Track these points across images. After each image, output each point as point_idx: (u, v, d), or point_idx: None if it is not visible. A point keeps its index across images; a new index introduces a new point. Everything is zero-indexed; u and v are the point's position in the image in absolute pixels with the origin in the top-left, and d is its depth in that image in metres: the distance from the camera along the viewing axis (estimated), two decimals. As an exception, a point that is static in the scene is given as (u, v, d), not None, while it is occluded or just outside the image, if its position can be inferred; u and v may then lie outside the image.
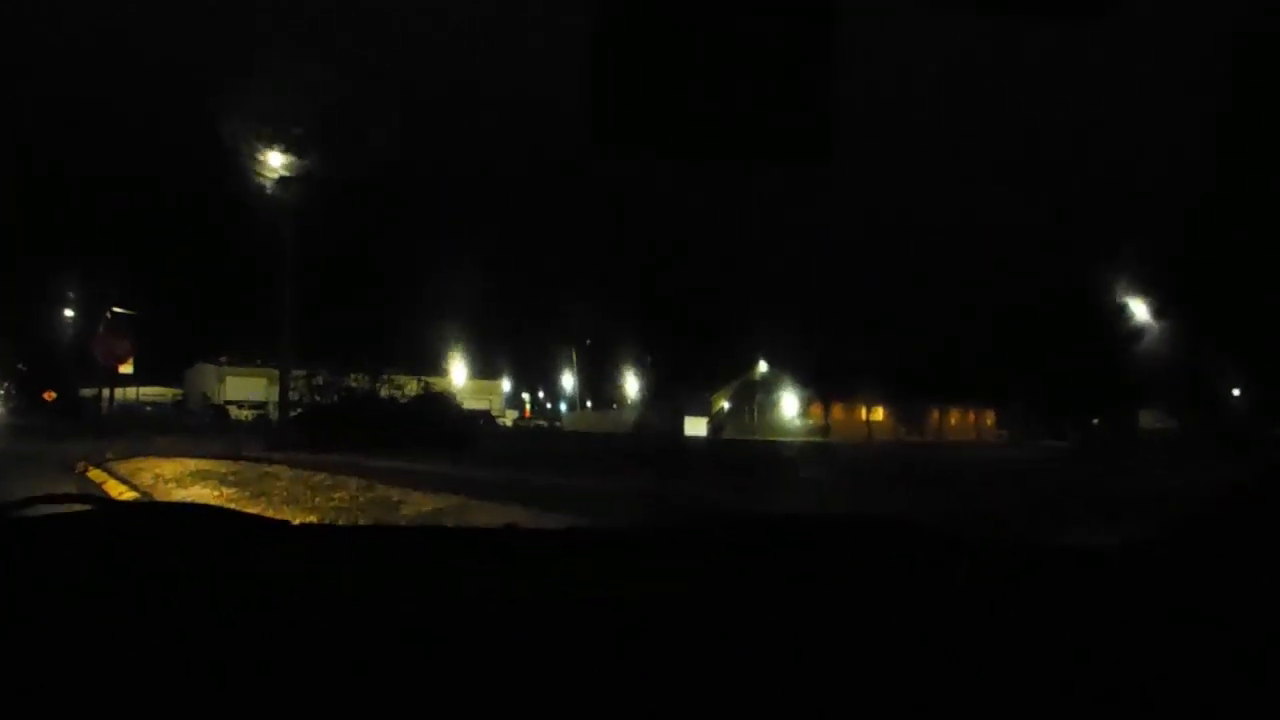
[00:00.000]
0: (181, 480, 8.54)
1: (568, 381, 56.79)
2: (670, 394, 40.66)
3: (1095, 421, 43.24)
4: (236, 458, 10.73)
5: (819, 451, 24.18)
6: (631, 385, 48.94)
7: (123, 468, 10.49)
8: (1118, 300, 28.56)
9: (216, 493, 7.39)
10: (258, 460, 9.97)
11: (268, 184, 13.62)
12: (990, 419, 43.45)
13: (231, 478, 8.23)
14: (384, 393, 14.98)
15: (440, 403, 15.84)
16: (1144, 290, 30.03)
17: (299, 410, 14.66)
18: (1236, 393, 31.57)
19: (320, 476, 7.44)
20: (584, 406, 54.65)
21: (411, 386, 15.72)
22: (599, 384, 53.20)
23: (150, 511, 1.94)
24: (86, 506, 1.37)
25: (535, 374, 57.85)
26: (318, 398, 14.65)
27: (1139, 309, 31.31)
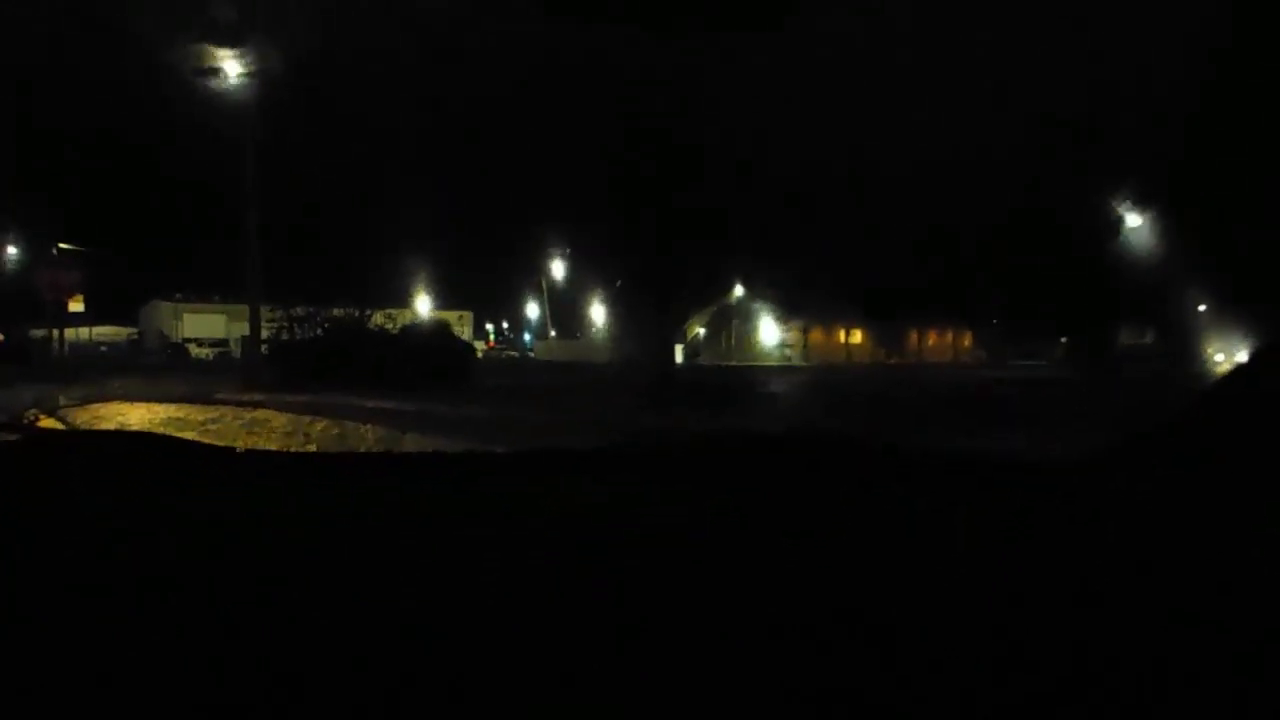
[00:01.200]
0: (153, 431, 7.46)
1: (532, 310, 55.70)
2: (640, 320, 39.73)
3: (1064, 340, 43.37)
4: (211, 401, 9.66)
5: (805, 377, 23.91)
6: (598, 313, 48.03)
7: (80, 416, 9.35)
8: (1096, 213, 27.98)
9: (198, 444, 6.38)
10: (238, 404, 8.90)
11: (219, 81, 12.23)
12: (967, 340, 43.14)
13: (212, 426, 7.21)
14: (377, 324, 13.83)
15: (435, 334, 14.74)
16: (1120, 203, 29.34)
17: (272, 346, 13.51)
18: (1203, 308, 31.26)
19: (322, 424, 6.42)
20: (549, 336, 53.68)
21: (406, 316, 14.61)
22: (563, 312, 52.24)
23: (83, 441, 1.79)
24: (13, 436, 1.39)
25: (499, 303, 56.62)
26: (297, 331, 13.46)
27: (1115, 222, 30.63)
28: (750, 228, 36.09)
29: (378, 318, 13.76)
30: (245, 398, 10.30)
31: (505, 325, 60.11)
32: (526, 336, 57.63)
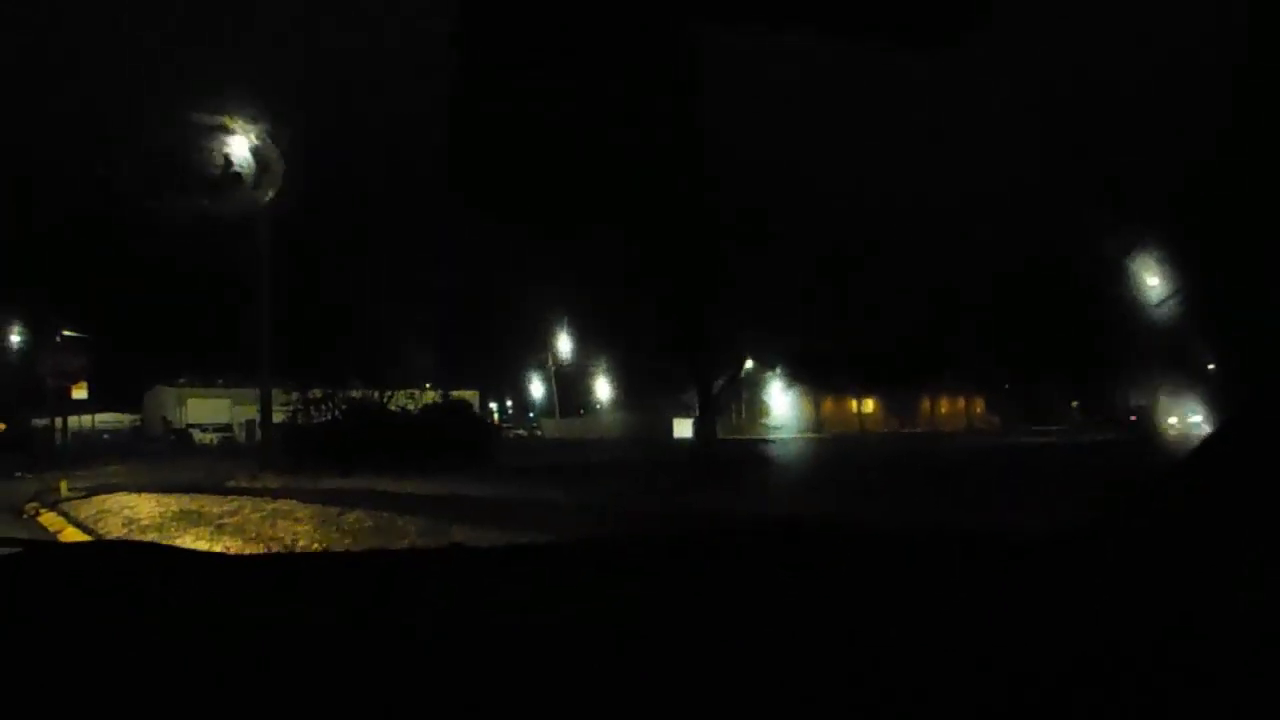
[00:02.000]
0: (163, 527, 6.90)
1: (536, 389, 55.26)
2: (648, 397, 39.34)
3: (1075, 404, 42.91)
4: (225, 490, 9.11)
5: (819, 450, 23.51)
6: (602, 391, 47.62)
7: (84, 510, 8.79)
8: (1105, 272, 27.75)
9: (213, 544, 5.79)
10: (254, 493, 8.35)
11: (234, 174, 11.96)
12: (979, 406, 42.70)
13: (229, 520, 6.63)
14: (399, 404, 13.26)
15: (459, 414, 14.19)
16: (1131, 264, 29.11)
17: (286, 429, 12.96)
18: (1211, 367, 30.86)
19: (354, 515, 5.82)
20: (553, 414, 53.26)
21: (428, 396, 14.06)
22: (567, 391, 51.77)
23: (81, 552, 1.81)
24: (15, 549, 1.34)
25: (502, 382, 56.13)
26: (313, 414, 12.91)
27: (1125, 281, 30.36)
28: (767, 296, 35.94)
29: (400, 398, 13.25)
30: (259, 485, 9.74)
31: (509, 404, 59.64)
32: (529, 415, 57.12)
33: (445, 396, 14.91)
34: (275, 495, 7.66)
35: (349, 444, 11.22)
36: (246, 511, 6.81)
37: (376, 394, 13.16)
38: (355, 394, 12.96)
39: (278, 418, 13.61)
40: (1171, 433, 27.09)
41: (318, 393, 12.94)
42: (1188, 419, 29.49)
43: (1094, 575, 1.11)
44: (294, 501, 7.00)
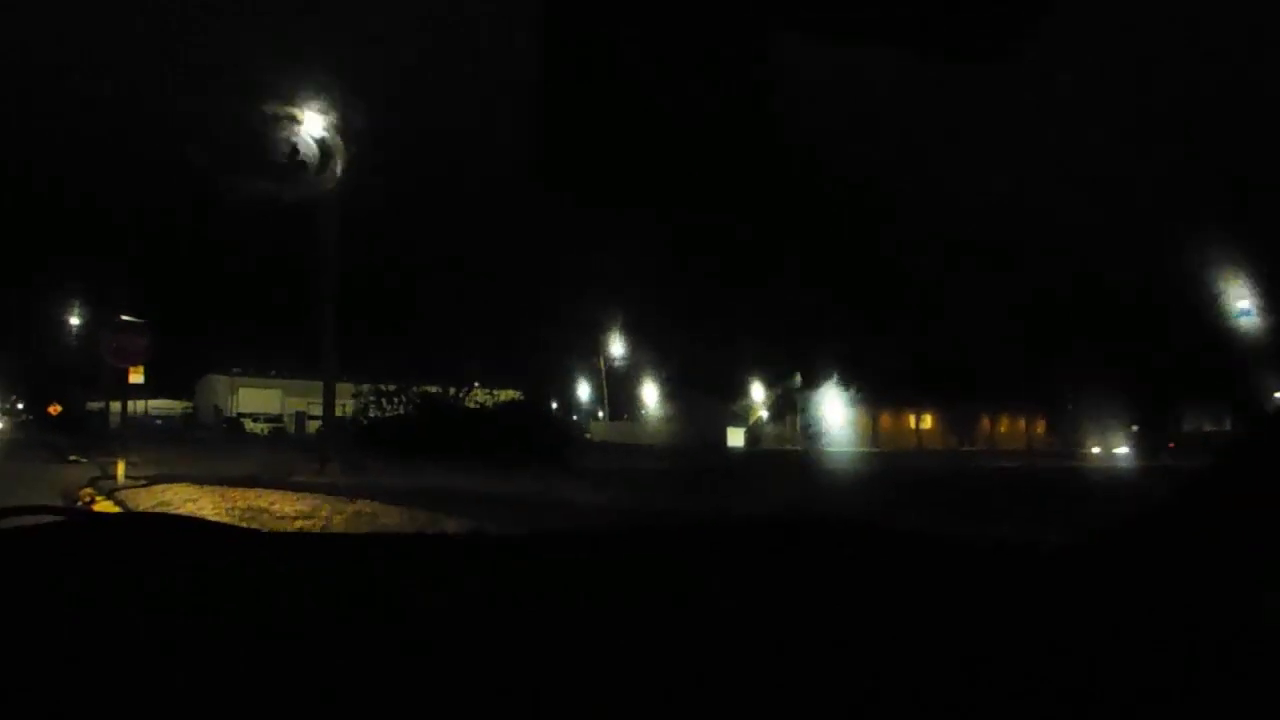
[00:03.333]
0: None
1: (583, 391, 54.75)
2: (700, 403, 38.72)
3: (1135, 428, 41.50)
4: (291, 484, 8.51)
5: (882, 463, 22.83)
6: (652, 396, 47.00)
7: (143, 500, 8.25)
8: (1186, 297, 26.59)
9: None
10: (324, 490, 7.74)
11: (300, 161, 11.45)
12: (1040, 427, 41.46)
13: (305, 523, 6.02)
14: (476, 400, 12.68)
15: (539, 413, 13.60)
16: (1208, 288, 27.91)
17: (354, 423, 12.42)
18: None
19: (452, 524, 5.16)
20: (599, 417, 52.75)
21: (505, 395, 13.47)
22: (615, 395, 51.19)
23: (124, 522, 1.91)
24: (58, 517, 1.36)
25: (547, 382, 55.39)
26: (386, 407, 12.34)
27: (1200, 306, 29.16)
28: (806, 331, 35.22)
29: (477, 394, 12.66)
30: (327, 481, 9.17)
31: (554, 406, 59.04)
32: (574, 417, 56.50)
33: (514, 398, 14.32)
34: (352, 494, 7.04)
35: (421, 440, 10.63)
36: (325, 513, 6.19)
37: (452, 390, 12.57)
38: (431, 389, 12.39)
39: (337, 411, 13.11)
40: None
41: (390, 385, 12.36)
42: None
43: (1103, 580, 1.11)
44: (375, 503, 6.38)
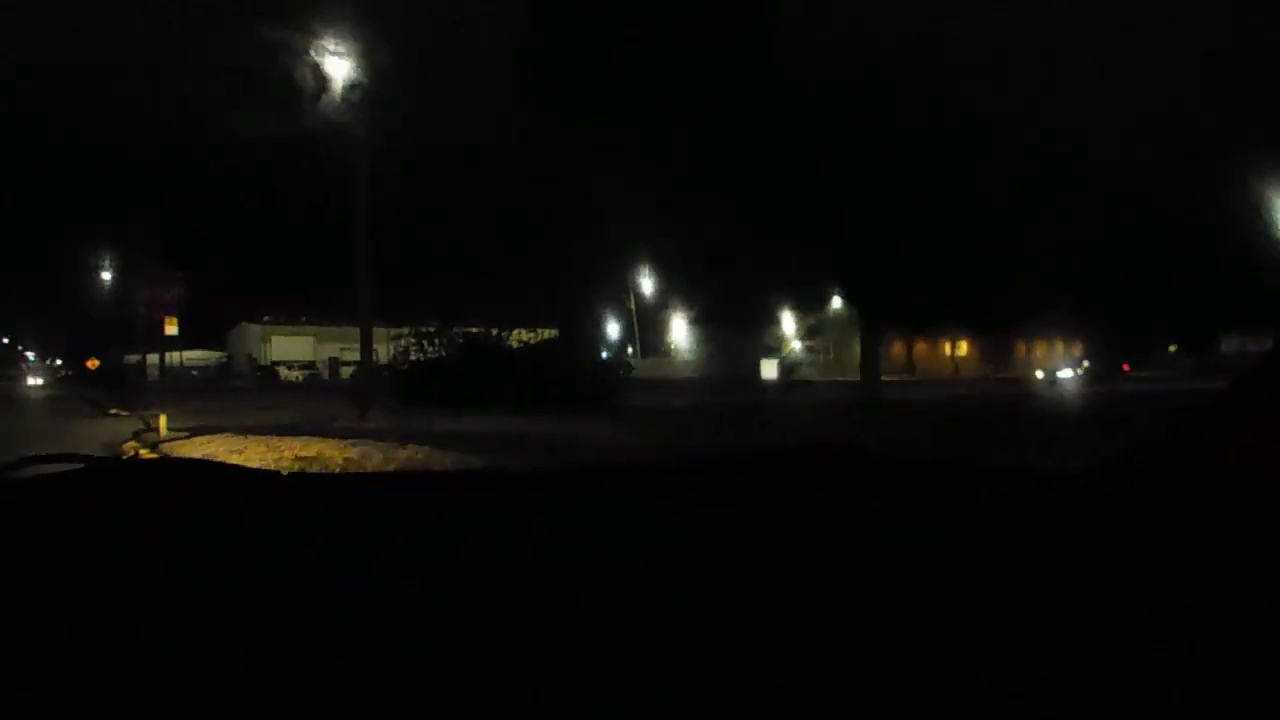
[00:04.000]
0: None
1: (612, 330, 54.62)
2: (733, 337, 38.41)
3: (1172, 348, 40.74)
4: (334, 432, 8.36)
5: (920, 391, 22.73)
6: (682, 332, 46.76)
7: (188, 452, 8.13)
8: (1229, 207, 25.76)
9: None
10: (371, 435, 7.58)
11: (330, 94, 11.13)
12: (1077, 350, 40.94)
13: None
14: (520, 339, 12.45)
15: (576, 351, 13.37)
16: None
17: (395, 367, 12.26)
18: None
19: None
20: (629, 354, 52.65)
21: (546, 333, 13.24)
22: (645, 332, 51.07)
23: (143, 467, 1.88)
24: (79, 465, 1.37)
25: (575, 321, 55.05)
26: (428, 349, 12.14)
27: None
28: (838, 259, 34.64)
29: (520, 334, 12.42)
30: (371, 426, 9.02)
31: (589, 345, 58.87)
32: (603, 355, 56.34)
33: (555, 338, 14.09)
34: (402, 439, 6.87)
35: (463, 382, 10.44)
36: (376, 459, 6.02)
37: (493, 331, 12.34)
38: (473, 330, 12.17)
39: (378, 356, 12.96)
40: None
41: (430, 328, 12.14)
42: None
43: (1121, 505, 1.07)
44: (426, 448, 6.20)
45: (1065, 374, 34.02)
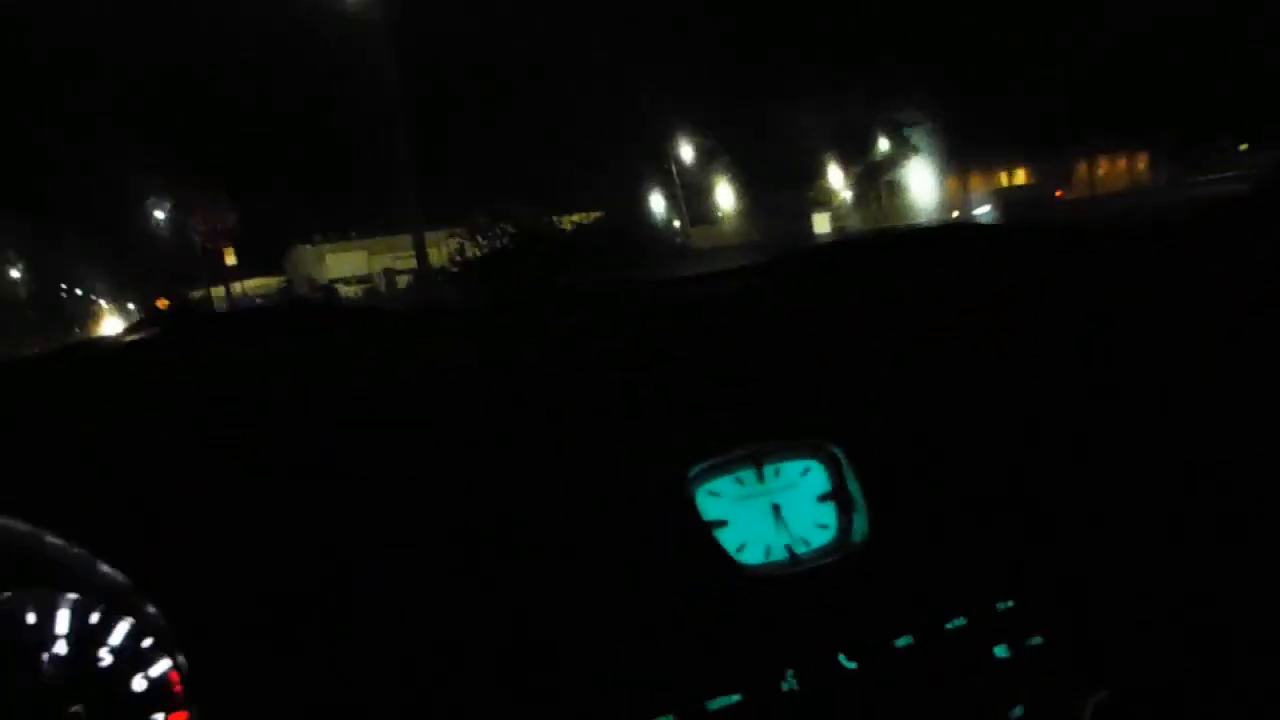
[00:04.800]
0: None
1: (656, 203, 53.98)
2: (781, 195, 37.70)
3: (1243, 148, 38.90)
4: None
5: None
6: (728, 198, 46.03)
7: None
8: None
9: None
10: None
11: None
12: (1142, 163, 39.39)
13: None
14: (573, 222, 12.42)
15: (632, 227, 13.33)
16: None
17: (457, 264, 12.28)
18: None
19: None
20: (675, 226, 52.07)
21: (595, 215, 13.14)
22: (691, 201, 50.39)
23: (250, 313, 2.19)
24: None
25: (619, 199, 54.54)
26: (481, 244, 12.11)
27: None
28: (882, 93, 33.40)
29: (569, 218, 12.33)
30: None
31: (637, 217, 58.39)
32: (655, 225, 55.79)
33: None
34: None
35: (525, 270, 10.42)
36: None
37: (546, 217, 12.25)
38: (524, 218, 12.07)
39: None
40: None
41: (482, 219, 12.07)
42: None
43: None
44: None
45: (983, 210, 31.62)
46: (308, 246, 34.43)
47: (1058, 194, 30.48)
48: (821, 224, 35.24)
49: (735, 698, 0.85)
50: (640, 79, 35.80)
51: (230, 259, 16.44)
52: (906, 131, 34.83)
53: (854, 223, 35.61)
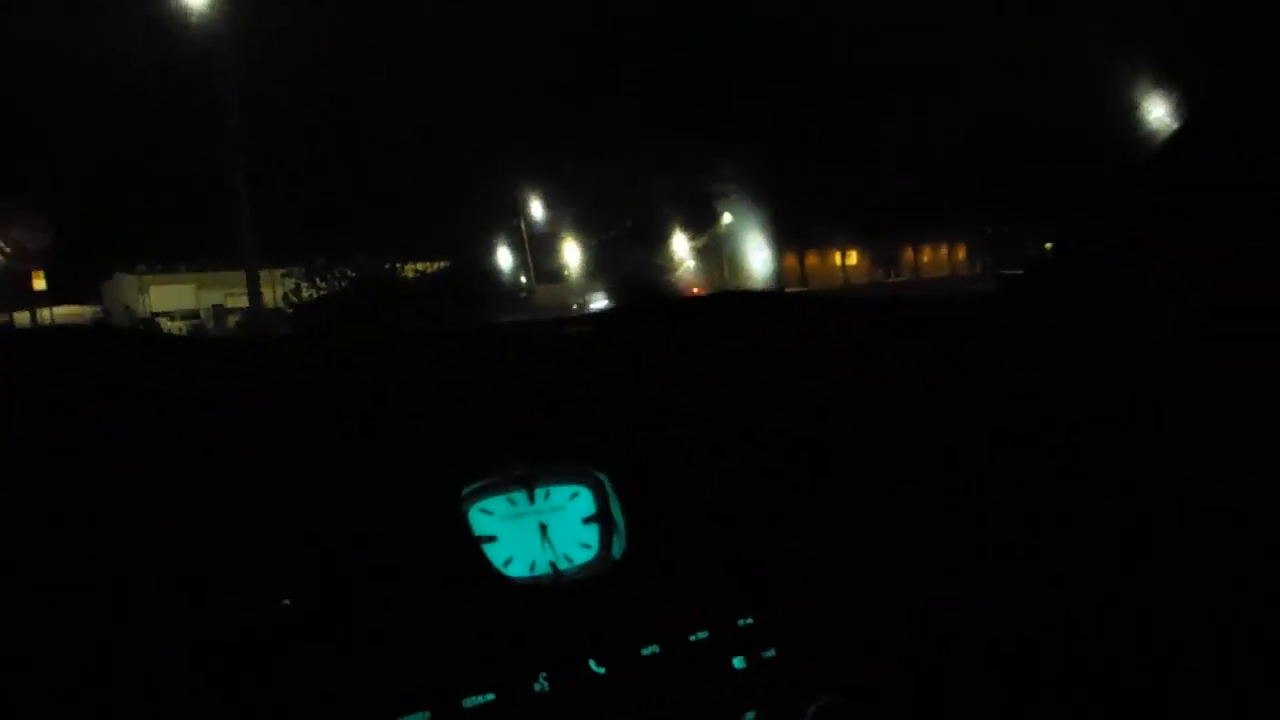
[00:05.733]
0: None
1: (503, 258, 54.06)
2: (622, 260, 38.48)
3: (1048, 246, 42.44)
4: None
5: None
6: (574, 256, 46.62)
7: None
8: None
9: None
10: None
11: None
12: (961, 253, 42.26)
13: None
14: (416, 270, 12.25)
15: (474, 279, 13.27)
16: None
17: (290, 305, 11.89)
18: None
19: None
20: (521, 282, 52.14)
21: (441, 264, 13.03)
22: (536, 258, 50.74)
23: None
24: None
25: (465, 252, 54.42)
26: (319, 286, 11.79)
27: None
28: (729, 175, 34.93)
29: (414, 266, 12.22)
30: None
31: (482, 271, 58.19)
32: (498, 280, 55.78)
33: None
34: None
35: (362, 318, 10.21)
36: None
37: (387, 265, 12.08)
38: (363, 262, 11.86)
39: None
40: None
41: (321, 261, 11.80)
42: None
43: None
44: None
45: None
46: (130, 275, 32.65)
47: (890, 276, 32.57)
48: (666, 289, 36.05)
49: (489, 696, 0.93)
50: (493, 132, 35.99)
51: (39, 283, 15.34)
52: (722, 206, 36.44)
53: (698, 290, 36.63)
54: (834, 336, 1.37)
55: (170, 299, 31.27)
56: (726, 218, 38.34)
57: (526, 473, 1.07)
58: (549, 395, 1.15)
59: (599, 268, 43.08)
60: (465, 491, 1.03)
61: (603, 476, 1.07)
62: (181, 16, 10.50)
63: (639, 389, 1.16)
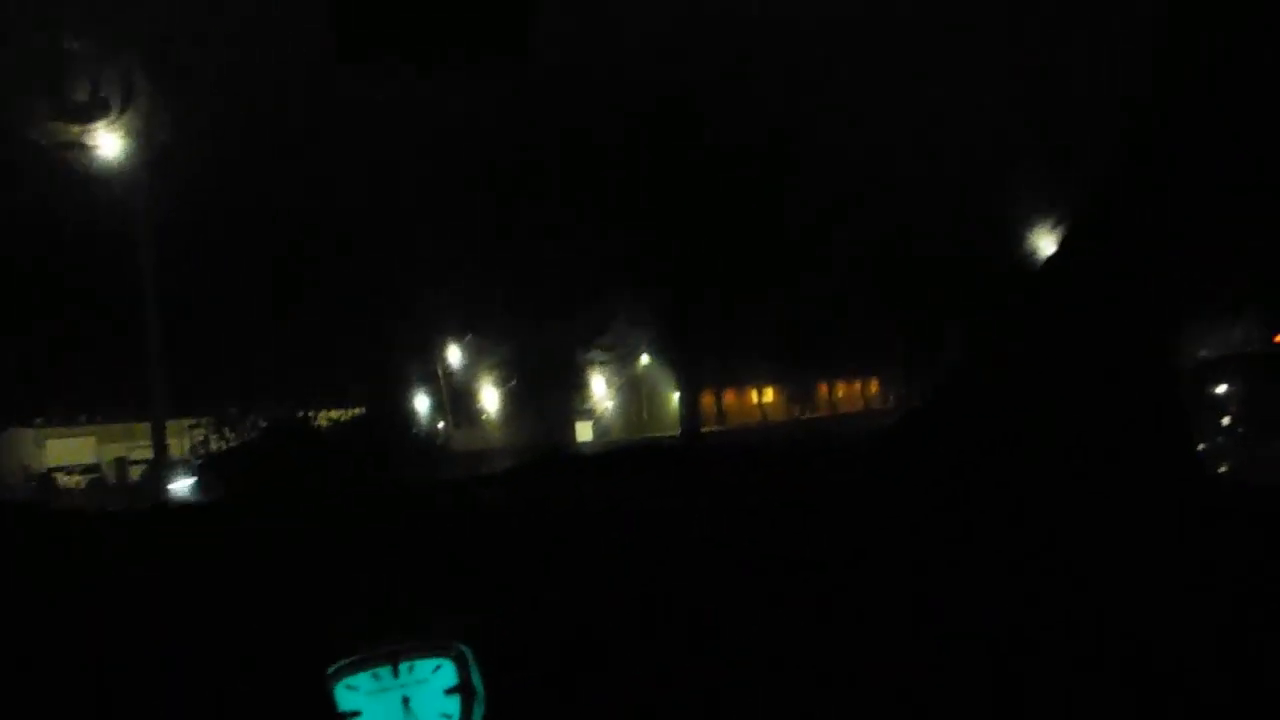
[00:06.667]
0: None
1: (420, 403, 53.74)
2: (545, 402, 38.60)
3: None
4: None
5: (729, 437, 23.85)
6: (494, 400, 46.61)
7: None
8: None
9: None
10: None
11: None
12: (874, 387, 43.50)
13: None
14: (329, 419, 12.07)
15: (391, 427, 13.11)
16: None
17: (199, 458, 11.59)
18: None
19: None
20: (439, 427, 51.66)
21: (356, 411, 12.84)
22: (456, 402, 50.58)
23: None
24: None
25: (393, 397, 53.99)
26: (229, 437, 11.52)
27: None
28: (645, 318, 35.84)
29: (329, 413, 12.03)
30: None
31: (400, 416, 57.46)
32: (415, 429, 55.19)
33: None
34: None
35: (275, 468, 9.97)
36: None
37: (300, 412, 11.91)
38: (277, 412, 11.67)
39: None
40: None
41: (233, 409, 11.56)
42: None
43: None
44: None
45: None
46: (27, 429, 31.27)
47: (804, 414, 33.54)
48: (584, 432, 36.08)
49: None
50: (408, 274, 36.25)
51: (-76, 440, 14.54)
52: (639, 348, 37.20)
53: (615, 432, 36.73)
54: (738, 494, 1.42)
55: (68, 453, 29.99)
56: (644, 359, 38.91)
57: (392, 649, 1.07)
58: (419, 568, 1.15)
59: (518, 409, 43.10)
60: (331, 669, 1.02)
61: (466, 649, 1.08)
62: (95, 172, 10.43)
63: (513, 556, 1.17)
